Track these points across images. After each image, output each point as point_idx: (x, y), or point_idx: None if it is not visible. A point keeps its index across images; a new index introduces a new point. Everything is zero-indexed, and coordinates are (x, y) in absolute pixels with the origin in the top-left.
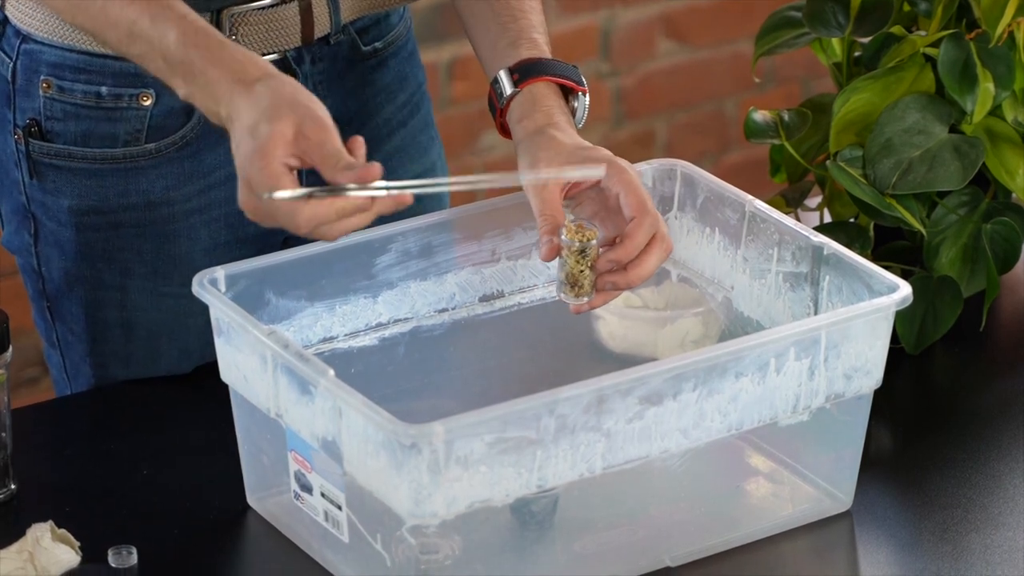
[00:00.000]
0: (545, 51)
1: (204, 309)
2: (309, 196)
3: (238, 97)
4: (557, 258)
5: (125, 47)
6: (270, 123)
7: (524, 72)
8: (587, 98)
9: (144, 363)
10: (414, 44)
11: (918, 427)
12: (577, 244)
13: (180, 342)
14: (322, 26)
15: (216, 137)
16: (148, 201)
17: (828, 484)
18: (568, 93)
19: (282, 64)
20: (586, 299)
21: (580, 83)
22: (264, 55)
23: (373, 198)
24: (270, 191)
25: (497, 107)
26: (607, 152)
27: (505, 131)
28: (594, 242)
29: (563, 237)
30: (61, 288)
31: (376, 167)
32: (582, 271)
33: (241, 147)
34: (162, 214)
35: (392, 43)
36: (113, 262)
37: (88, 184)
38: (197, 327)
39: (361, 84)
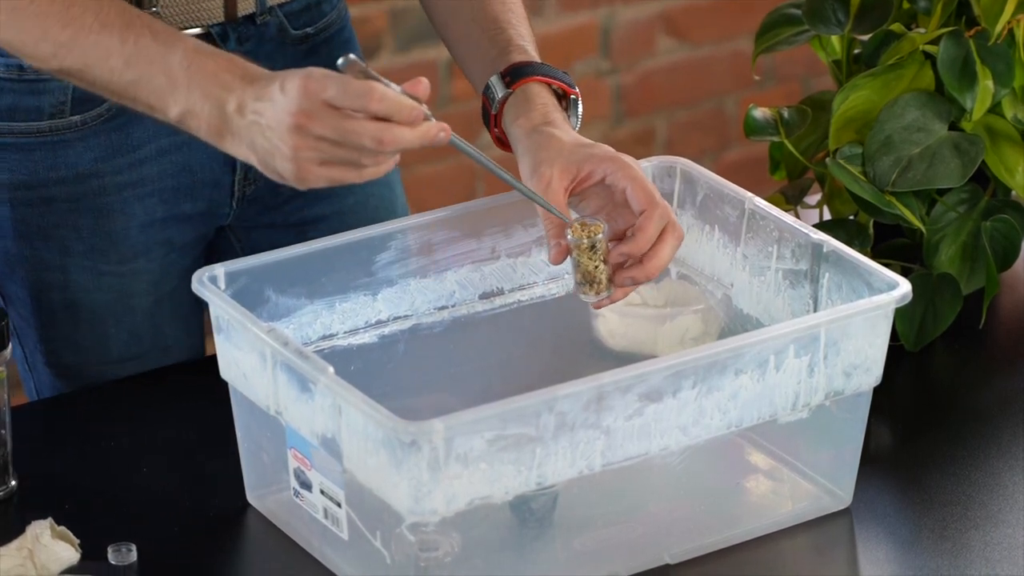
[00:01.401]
0: (535, 58)
1: (148, 289)
2: (369, 77)
3: (254, 82)
4: (569, 259)
5: (118, 75)
6: (303, 69)
7: (515, 74)
8: (580, 102)
9: (93, 348)
10: (351, 32)
11: (918, 424)
12: (586, 241)
13: (127, 324)
14: (246, 4)
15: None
16: (77, 174)
17: (828, 481)
18: (560, 99)
19: (206, 39)
20: (606, 294)
21: (572, 86)
22: (186, 28)
23: (424, 118)
24: (334, 82)
25: (491, 113)
26: (609, 148)
27: (502, 143)
28: (601, 235)
29: (570, 237)
30: (4, 270)
31: (424, 80)
32: (596, 266)
33: (277, 102)
34: (92, 187)
35: (325, 29)
36: (50, 239)
37: (17, 159)
38: (143, 308)
39: (294, 67)
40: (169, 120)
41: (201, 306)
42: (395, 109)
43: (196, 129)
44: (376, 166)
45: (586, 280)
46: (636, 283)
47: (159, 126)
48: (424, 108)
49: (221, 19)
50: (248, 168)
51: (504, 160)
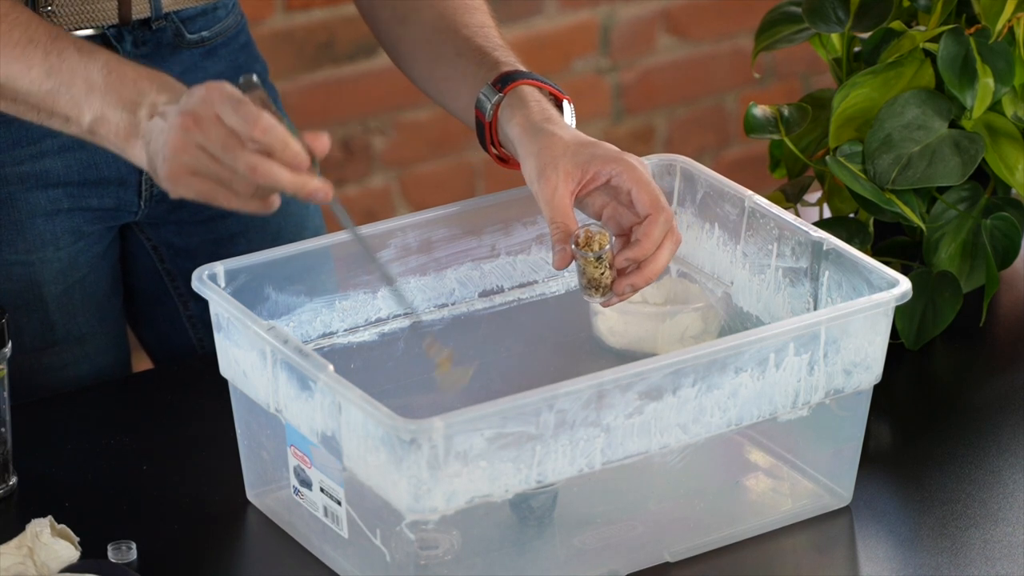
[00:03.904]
0: (523, 70)
1: (56, 278)
2: (267, 108)
3: (171, 91)
4: (573, 262)
5: (38, 85)
6: (217, 81)
7: (505, 80)
8: (572, 108)
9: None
10: (248, 37)
11: (917, 423)
12: (592, 255)
13: (38, 314)
14: (140, 9)
15: None
16: None
17: (828, 480)
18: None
19: (101, 40)
20: (612, 295)
21: (562, 91)
22: (80, 29)
23: (308, 166)
24: (231, 100)
25: (485, 122)
26: (613, 148)
27: (502, 161)
28: (608, 247)
29: (575, 248)
30: None
31: (325, 137)
32: (602, 273)
33: (180, 104)
34: None
35: (221, 33)
36: None
37: None
38: (54, 297)
39: (191, 69)
40: (83, 130)
41: (118, 295)
42: (278, 145)
43: (105, 135)
44: (248, 198)
45: (591, 285)
46: (635, 289)
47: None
48: (315, 163)
49: (115, 21)
50: None
51: (506, 178)
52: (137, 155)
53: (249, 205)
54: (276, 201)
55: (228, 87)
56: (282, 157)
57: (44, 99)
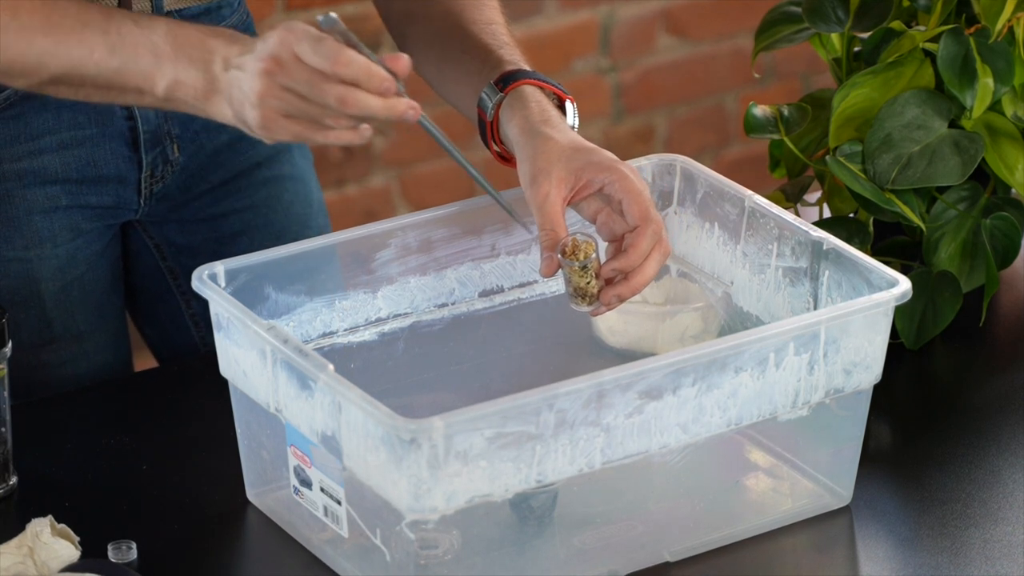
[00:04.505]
0: (526, 69)
1: (54, 275)
2: (348, 41)
3: (240, 42)
4: (561, 271)
5: (104, 66)
6: (288, 21)
7: (507, 79)
8: (575, 108)
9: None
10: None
11: (917, 422)
12: (577, 264)
13: (36, 310)
14: (141, 7)
15: (41, 103)
16: None
17: (827, 479)
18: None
19: None
20: (598, 304)
21: (565, 91)
22: None
23: (395, 90)
24: (309, 38)
25: (487, 121)
26: (608, 155)
27: (503, 159)
28: (593, 255)
29: (561, 257)
30: None
31: (404, 57)
32: (588, 282)
33: (256, 51)
34: None
35: None
36: None
37: None
38: (51, 293)
39: None
40: (158, 99)
41: (118, 293)
42: (363, 75)
43: (185, 98)
44: (340, 129)
45: (578, 294)
46: (621, 300)
47: (60, 119)
48: (400, 85)
49: None
50: (155, 165)
51: (506, 178)
52: (221, 111)
53: (344, 137)
54: (368, 130)
55: (302, 25)
56: (368, 86)
57: (113, 78)
